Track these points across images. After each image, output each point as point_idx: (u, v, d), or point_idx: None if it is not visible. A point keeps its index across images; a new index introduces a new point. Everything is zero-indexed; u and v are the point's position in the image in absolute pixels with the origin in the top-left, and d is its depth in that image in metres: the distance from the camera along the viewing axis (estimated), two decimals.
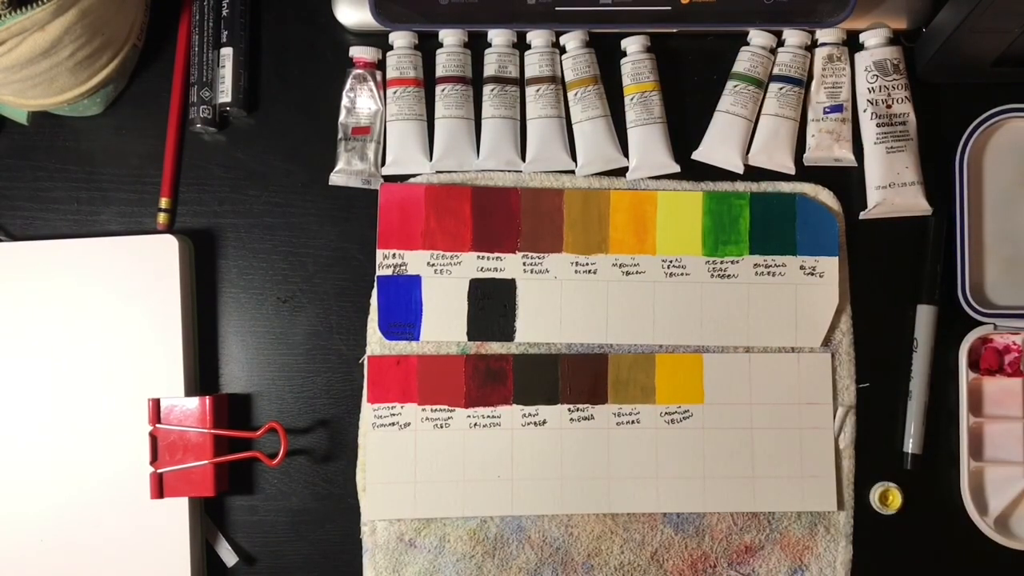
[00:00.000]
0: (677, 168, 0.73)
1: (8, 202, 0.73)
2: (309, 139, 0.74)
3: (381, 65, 0.73)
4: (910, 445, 0.72)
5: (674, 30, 0.74)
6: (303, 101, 0.74)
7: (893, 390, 0.73)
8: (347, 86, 0.73)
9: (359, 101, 0.73)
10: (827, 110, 0.73)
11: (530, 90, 0.73)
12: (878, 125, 0.72)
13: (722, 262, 0.73)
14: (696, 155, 0.74)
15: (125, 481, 0.69)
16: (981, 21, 0.66)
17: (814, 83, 0.73)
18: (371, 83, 0.72)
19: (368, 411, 0.71)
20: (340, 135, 0.73)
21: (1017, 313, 0.73)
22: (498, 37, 0.73)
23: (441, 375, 0.71)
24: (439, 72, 0.73)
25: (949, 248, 0.73)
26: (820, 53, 0.73)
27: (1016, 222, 0.74)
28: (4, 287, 0.70)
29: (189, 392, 0.70)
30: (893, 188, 0.72)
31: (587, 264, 0.72)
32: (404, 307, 0.72)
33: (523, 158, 0.73)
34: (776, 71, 0.73)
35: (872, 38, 0.73)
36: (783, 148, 0.73)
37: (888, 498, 0.72)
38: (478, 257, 0.72)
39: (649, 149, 0.72)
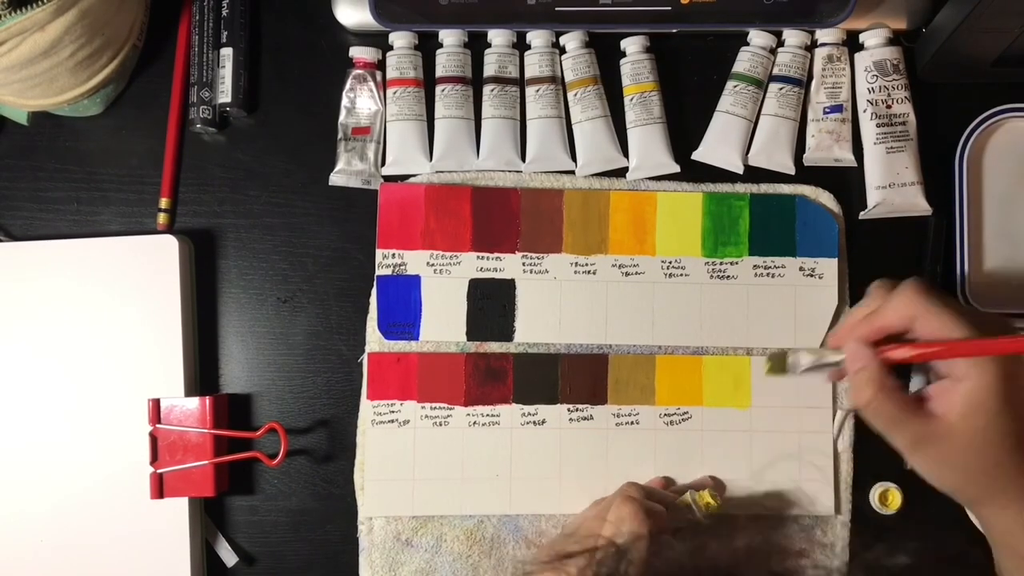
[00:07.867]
0: (677, 168, 0.73)
1: (8, 202, 0.73)
2: (309, 139, 0.74)
3: (381, 65, 0.73)
4: None
5: (674, 30, 0.74)
6: (303, 101, 0.74)
7: None
8: (347, 86, 0.73)
9: (359, 101, 0.73)
10: (827, 110, 0.73)
11: (530, 90, 0.73)
12: (878, 125, 0.72)
13: (721, 263, 0.73)
14: (696, 155, 0.74)
15: (125, 481, 0.69)
16: (981, 21, 0.66)
17: (814, 83, 0.73)
18: (371, 83, 0.72)
19: (367, 408, 0.71)
20: (340, 135, 0.72)
21: (1017, 313, 0.73)
22: (498, 37, 0.73)
23: (441, 373, 0.71)
24: (439, 72, 0.73)
25: (949, 248, 0.73)
26: (820, 53, 0.73)
27: (1016, 222, 0.74)
28: (4, 287, 0.70)
29: (189, 392, 0.70)
30: (893, 188, 0.72)
31: (586, 264, 0.72)
32: (403, 307, 0.72)
33: (523, 158, 0.73)
34: (776, 71, 0.73)
35: (872, 38, 0.72)
36: (783, 148, 0.73)
37: (888, 498, 0.72)
38: (478, 257, 0.72)
39: (649, 149, 0.72)
